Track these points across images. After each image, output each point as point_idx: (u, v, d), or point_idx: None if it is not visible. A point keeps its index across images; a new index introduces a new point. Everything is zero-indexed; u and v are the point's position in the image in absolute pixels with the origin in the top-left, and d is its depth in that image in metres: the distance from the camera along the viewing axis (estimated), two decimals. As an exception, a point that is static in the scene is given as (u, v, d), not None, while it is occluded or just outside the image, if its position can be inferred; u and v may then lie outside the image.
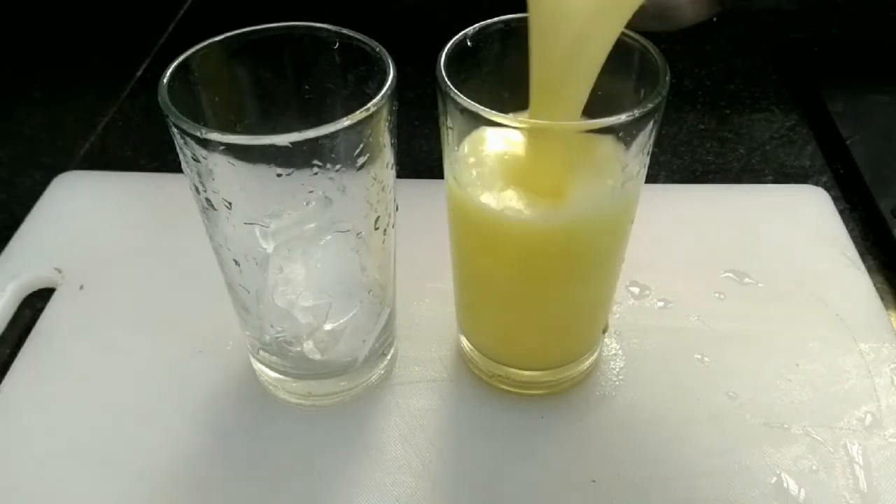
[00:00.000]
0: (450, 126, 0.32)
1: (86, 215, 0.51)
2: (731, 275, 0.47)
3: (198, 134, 0.29)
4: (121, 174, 0.55)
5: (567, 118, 0.30)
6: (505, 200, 0.32)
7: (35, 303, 0.46)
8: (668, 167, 0.57)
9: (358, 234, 0.34)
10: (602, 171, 0.32)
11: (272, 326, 0.37)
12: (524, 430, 0.39)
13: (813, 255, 0.48)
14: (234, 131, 0.31)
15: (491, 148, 0.34)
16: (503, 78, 0.34)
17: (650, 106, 0.30)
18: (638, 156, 0.32)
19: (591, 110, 0.31)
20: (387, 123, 0.32)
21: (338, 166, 0.31)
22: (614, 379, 0.41)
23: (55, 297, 0.45)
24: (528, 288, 0.36)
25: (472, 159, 0.33)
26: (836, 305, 0.45)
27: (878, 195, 0.52)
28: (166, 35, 0.72)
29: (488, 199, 0.32)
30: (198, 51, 0.33)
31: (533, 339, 0.39)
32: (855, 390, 0.40)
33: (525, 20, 0.34)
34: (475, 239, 0.35)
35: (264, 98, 0.36)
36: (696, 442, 0.38)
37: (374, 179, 0.33)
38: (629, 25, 0.32)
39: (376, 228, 0.35)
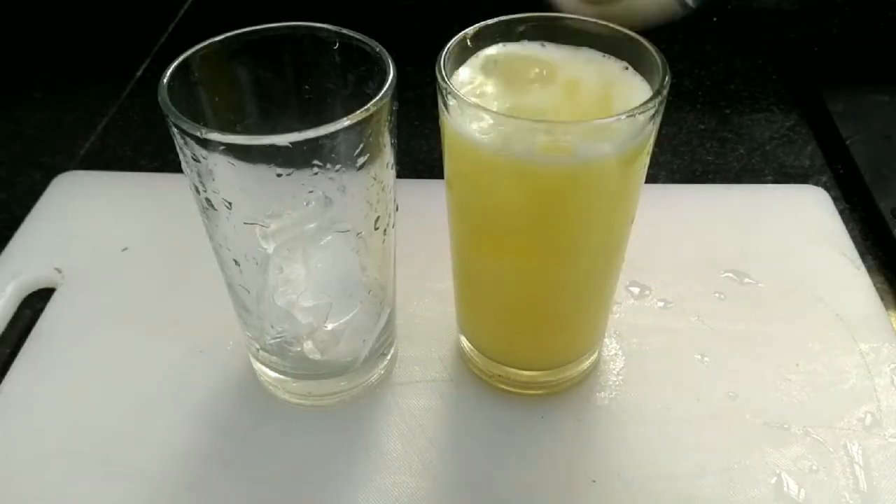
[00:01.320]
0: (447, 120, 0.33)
1: (86, 215, 0.51)
2: (731, 275, 0.47)
3: (198, 134, 0.29)
4: (121, 174, 0.55)
5: None
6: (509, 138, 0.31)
7: (35, 303, 0.46)
8: (668, 167, 0.57)
9: (358, 234, 0.34)
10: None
11: (272, 327, 0.37)
12: (524, 430, 0.39)
13: (813, 254, 0.48)
14: (234, 131, 0.31)
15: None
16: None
17: (650, 106, 0.30)
18: (638, 155, 0.32)
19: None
20: (387, 123, 0.32)
21: (338, 166, 0.31)
22: (614, 379, 0.41)
23: (55, 297, 0.45)
24: (528, 266, 0.36)
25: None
26: (835, 305, 0.45)
27: (878, 195, 0.52)
28: (166, 35, 0.72)
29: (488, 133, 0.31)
30: (198, 51, 0.33)
31: (533, 338, 0.39)
32: (855, 390, 0.40)
33: (525, 20, 0.34)
34: (474, 190, 0.34)
35: (264, 98, 0.36)
36: (696, 442, 0.38)
37: (374, 179, 0.33)
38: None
39: (376, 228, 0.35)
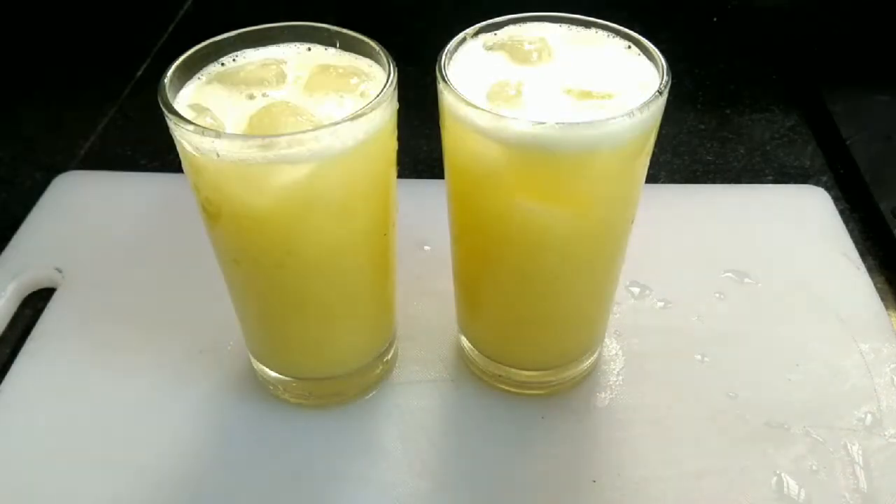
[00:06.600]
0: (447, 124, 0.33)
1: (86, 215, 0.51)
2: (731, 275, 0.47)
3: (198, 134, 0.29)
4: (121, 174, 0.55)
5: None
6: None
7: (35, 303, 0.46)
8: (668, 167, 0.57)
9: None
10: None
11: (272, 326, 0.37)
12: (524, 431, 0.39)
13: (813, 255, 0.48)
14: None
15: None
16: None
17: (649, 105, 0.30)
18: (638, 155, 0.32)
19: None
20: (387, 123, 0.32)
21: (338, 166, 0.31)
22: (614, 379, 0.41)
23: (55, 297, 0.45)
24: (528, 265, 0.35)
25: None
26: (836, 305, 0.45)
27: (878, 195, 0.52)
28: (166, 35, 0.72)
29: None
30: (198, 51, 0.33)
31: (533, 338, 0.39)
32: (855, 390, 0.40)
33: (526, 20, 0.34)
34: (475, 190, 0.34)
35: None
36: (696, 442, 0.38)
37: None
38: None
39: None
